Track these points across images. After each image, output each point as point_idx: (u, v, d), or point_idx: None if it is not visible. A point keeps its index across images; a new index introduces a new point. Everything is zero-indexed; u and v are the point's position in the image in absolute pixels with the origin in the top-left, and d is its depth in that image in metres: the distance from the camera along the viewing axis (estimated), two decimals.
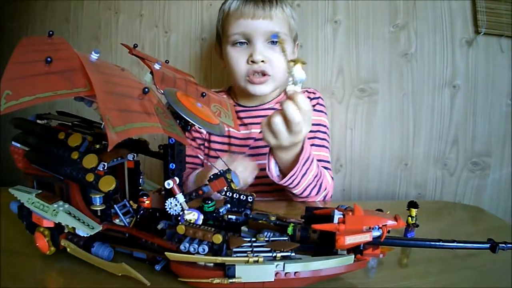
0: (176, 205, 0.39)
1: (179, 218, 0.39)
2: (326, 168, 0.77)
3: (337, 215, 0.38)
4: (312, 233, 0.40)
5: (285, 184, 0.65)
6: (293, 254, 0.37)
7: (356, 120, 1.02)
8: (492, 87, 0.97)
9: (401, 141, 1.01)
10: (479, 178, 1.00)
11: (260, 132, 0.63)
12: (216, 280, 0.35)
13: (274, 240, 0.39)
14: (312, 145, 0.78)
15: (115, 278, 0.39)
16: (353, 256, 0.37)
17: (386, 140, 1.02)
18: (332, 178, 0.77)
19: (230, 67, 0.80)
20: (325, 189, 0.71)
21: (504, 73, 0.96)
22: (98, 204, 0.41)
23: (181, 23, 1.07)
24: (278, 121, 0.56)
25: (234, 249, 0.37)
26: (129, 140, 0.48)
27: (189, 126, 0.41)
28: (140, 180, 0.48)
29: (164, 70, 0.49)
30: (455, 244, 0.37)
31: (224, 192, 0.43)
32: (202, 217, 0.39)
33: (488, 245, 0.37)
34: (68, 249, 0.41)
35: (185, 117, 0.38)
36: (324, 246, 0.38)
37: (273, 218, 0.41)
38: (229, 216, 0.42)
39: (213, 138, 0.85)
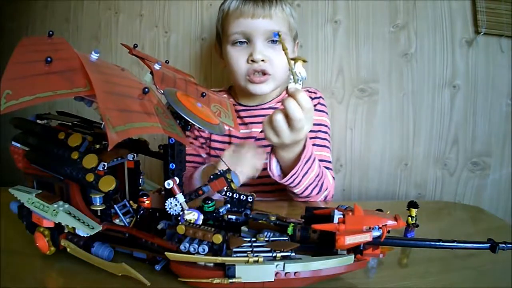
0: (176, 205, 0.39)
1: (179, 218, 0.39)
2: (327, 168, 0.77)
3: (337, 215, 0.38)
4: (312, 233, 0.40)
5: (286, 183, 0.65)
6: (293, 254, 0.37)
7: (356, 120, 1.02)
8: (492, 87, 0.97)
9: (401, 141, 1.01)
10: (479, 178, 1.00)
11: (261, 132, 0.63)
12: (216, 280, 0.35)
13: (274, 240, 0.39)
14: (313, 145, 0.78)
15: (115, 278, 0.39)
16: (353, 256, 0.37)
17: (386, 140, 1.02)
18: (334, 178, 0.77)
19: (230, 67, 0.80)
20: (326, 189, 0.71)
21: (504, 73, 0.96)
22: (98, 204, 0.41)
23: (181, 23, 1.07)
24: (279, 118, 0.56)
25: (234, 249, 0.37)
26: (129, 140, 0.48)
27: (189, 126, 0.41)
28: (140, 180, 0.48)
29: (164, 70, 0.49)
30: (455, 244, 0.37)
31: (224, 192, 0.43)
32: (202, 217, 0.39)
33: (488, 245, 0.37)
34: (68, 249, 0.41)
35: (185, 117, 0.38)
36: (324, 246, 0.38)
37: (273, 218, 0.41)
38: (229, 216, 0.42)
39: (214, 137, 0.85)
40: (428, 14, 0.96)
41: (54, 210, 0.39)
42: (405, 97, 1.00)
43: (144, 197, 0.45)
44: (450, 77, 0.97)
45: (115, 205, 0.43)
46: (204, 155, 0.85)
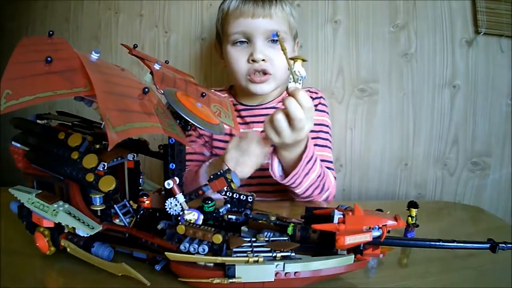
0: (176, 205, 0.39)
1: (179, 218, 0.39)
2: (328, 168, 0.77)
3: (337, 215, 0.38)
4: (312, 233, 0.40)
5: (288, 184, 0.65)
6: (293, 254, 0.37)
7: (356, 120, 1.02)
8: (492, 87, 0.97)
9: (401, 141, 1.01)
10: (479, 178, 1.00)
11: (262, 131, 0.62)
12: (216, 280, 0.35)
13: (274, 240, 0.39)
14: (314, 145, 0.78)
15: (115, 278, 0.39)
16: (353, 256, 0.37)
17: (386, 140, 1.02)
18: (335, 178, 0.77)
19: (231, 67, 0.80)
20: (328, 189, 0.71)
21: (504, 73, 0.96)
22: (98, 204, 0.41)
23: (181, 23, 1.07)
24: (280, 118, 0.56)
25: (234, 249, 0.37)
26: (129, 140, 0.48)
27: (189, 126, 0.41)
28: (140, 180, 0.48)
29: (164, 70, 0.49)
30: (455, 244, 0.37)
31: (224, 192, 0.43)
32: (202, 217, 0.39)
33: (488, 245, 0.37)
34: (68, 249, 0.41)
35: (185, 117, 0.38)
36: (324, 246, 0.38)
37: (273, 218, 0.41)
38: (229, 216, 0.42)
39: (215, 136, 0.85)
40: (428, 14, 0.96)
41: (54, 210, 0.39)
42: (405, 97, 1.00)
43: (144, 197, 0.45)
44: (450, 77, 0.97)
45: (115, 205, 0.43)
46: (208, 153, 0.85)
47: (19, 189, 0.43)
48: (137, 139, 0.49)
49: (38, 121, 0.45)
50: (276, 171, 0.65)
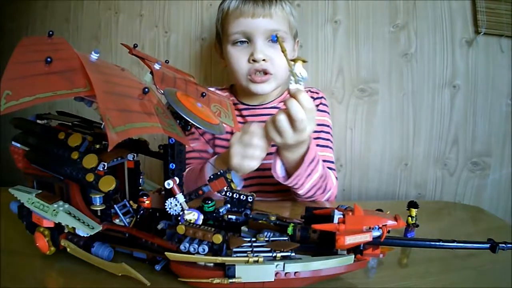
0: (176, 205, 0.39)
1: (179, 218, 0.39)
2: (330, 168, 0.77)
3: (337, 215, 0.38)
4: (312, 233, 0.40)
5: (290, 185, 0.65)
6: (293, 254, 0.37)
7: (356, 120, 1.02)
8: (492, 87, 0.97)
9: (401, 141, 1.02)
10: (479, 178, 1.00)
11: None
12: (216, 280, 0.35)
13: (274, 240, 0.39)
14: (316, 145, 0.78)
15: (115, 278, 0.39)
16: (353, 256, 0.37)
17: (386, 140, 1.02)
18: (337, 178, 0.77)
19: (231, 67, 0.80)
20: (330, 190, 0.71)
21: (504, 73, 0.96)
22: (98, 204, 0.41)
23: (181, 23, 1.07)
24: (282, 118, 0.56)
25: (234, 249, 0.37)
26: (129, 140, 0.48)
27: (189, 126, 0.41)
28: (140, 180, 0.48)
29: (164, 70, 0.49)
30: (455, 244, 0.37)
31: (224, 192, 0.43)
32: (202, 217, 0.39)
33: (488, 245, 0.37)
34: (68, 249, 0.41)
35: (185, 117, 0.38)
36: (324, 246, 0.38)
37: (273, 218, 0.41)
38: (229, 216, 0.42)
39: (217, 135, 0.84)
40: (428, 14, 0.96)
41: (54, 210, 0.39)
42: (405, 97, 1.00)
43: (144, 197, 0.45)
44: (450, 77, 0.97)
45: (115, 205, 0.43)
46: (211, 150, 0.84)
47: (19, 189, 0.43)
48: (137, 139, 0.49)
49: (38, 121, 0.45)
50: (279, 171, 0.65)
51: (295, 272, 0.36)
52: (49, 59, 0.30)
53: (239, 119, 0.84)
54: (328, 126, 0.84)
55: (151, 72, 0.46)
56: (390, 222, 0.37)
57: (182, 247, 0.36)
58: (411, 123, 1.00)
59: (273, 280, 0.35)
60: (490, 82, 0.97)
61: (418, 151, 1.01)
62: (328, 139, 0.82)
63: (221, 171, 0.41)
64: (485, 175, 1.00)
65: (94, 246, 0.41)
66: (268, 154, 0.61)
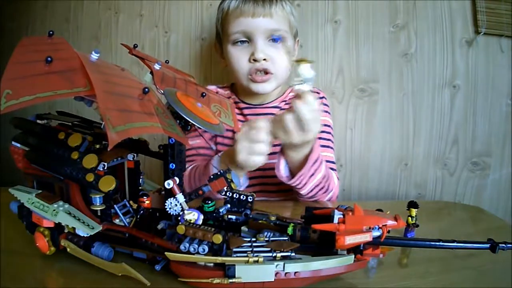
0: (176, 205, 0.39)
1: (179, 218, 0.39)
2: (331, 169, 0.77)
3: (337, 215, 0.38)
4: (312, 233, 0.40)
5: (294, 185, 0.65)
6: (293, 254, 0.37)
7: (356, 120, 1.02)
8: (492, 87, 0.97)
9: (401, 141, 1.02)
10: (479, 178, 1.00)
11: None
12: (216, 280, 0.35)
13: (274, 240, 0.39)
14: None
15: (115, 278, 0.39)
16: (353, 256, 0.37)
17: (386, 140, 1.02)
18: (338, 178, 0.77)
19: (232, 66, 0.80)
20: (332, 190, 0.71)
21: (504, 73, 0.96)
22: (98, 204, 0.41)
23: (181, 23, 1.07)
24: (289, 118, 0.56)
25: (234, 249, 0.37)
26: (129, 140, 0.48)
27: (189, 126, 0.41)
28: (140, 180, 0.48)
29: (164, 70, 0.49)
30: (455, 244, 0.37)
31: (224, 192, 0.43)
32: (202, 217, 0.39)
33: (488, 245, 0.37)
34: (68, 249, 0.41)
35: (185, 117, 0.38)
36: (324, 246, 0.38)
37: (273, 218, 0.41)
38: (229, 216, 0.42)
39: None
40: (428, 14, 0.96)
41: (54, 210, 0.39)
42: (405, 97, 1.00)
43: (144, 197, 0.45)
44: (450, 77, 0.97)
45: (115, 205, 0.43)
46: (214, 147, 0.84)
47: (19, 189, 0.43)
48: (137, 139, 0.49)
49: (38, 121, 0.45)
50: (282, 171, 0.65)
51: (295, 272, 0.36)
52: (49, 59, 0.30)
53: (240, 117, 0.84)
54: (329, 126, 0.84)
55: (151, 72, 0.46)
56: (390, 222, 0.37)
57: (182, 247, 0.36)
58: (411, 123, 1.00)
59: (273, 280, 0.35)
60: (490, 82, 0.97)
61: (418, 151, 1.01)
62: (329, 139, 0.82)
63: (221, 171, 0.41)
64: (485, 175, 1.00)
65: (94, 246, 0.41)
66: (271, 154, 0.61)
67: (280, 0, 0.77)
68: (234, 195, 0.43)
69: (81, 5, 1.13)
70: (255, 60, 0.75)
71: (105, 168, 0.39)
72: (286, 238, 0.40)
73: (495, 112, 0.98)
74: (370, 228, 0.37)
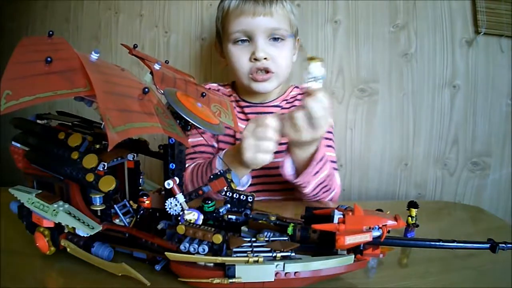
0: (176, 205, 0.39)
1: (179, 218, 0.39)
2: (333, 168, 0.77)
3: (337, 215, 0.38)
4: (312, 233, 0.40)
5: (298, 183, 0.65)
6: (293, 254, 0.37)
7: (356, 120, 1.02)
8: (492, 87, 0.97)
9: (401, 141, 1.02)
10: (479, 178, 1.00)
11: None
12: (216, 280, 0.35)
13: (274, 240, 0.39)
14: None
15: (115, 278, 0.39)
16: (353, 256, 0.37)
17: (386, 140, 1.02)
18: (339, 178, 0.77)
19: (233, 65, 0.80)
20: (334, 190, 0.71)
21: (504, 73, 0.96)
22: (98, 204, 0.41)
23: (181, 23, 1.07)
24: (301, 116, 0.56)
25: (234, 249, 0.37)
26: (129, 140, 0.48)
27: (189, 126, 0.41)
28: (140, 180, 0.48)
29: (164, 70, 0.49)
30: (455, 244, 0.37)
31: (224, 192, 0.43)
32: (202, 217, 0.39)
33: (488, 245, 0.37)
34: (68, 249, 0.41)
35: (185, 117, 0.38)
36: (324, 246, 0.38)
37: (273, 218, 0.41)
38: (229, 216, 0.42)
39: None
40: (428, 14, 0.96)
41: (54, 210, 0.39)
42: (405, 97, 1.00)
43: (144, 197, 0.45)
44: (450, 77, 0.97)
45: (115, 205, 0.43)
46: (216, 145, 0.84)
47: (19, 189, 0.43)
48: (137, 139, 0.49)
49: (38, 121, 0.45)
50: (287, 170, 0.65)
51: (295, 272, 0.36)
52: (49, 59, 0.30)
53: (241, 116, 0.84)
54: (330, 126, 0.84)
55: (151, 72, 0.46)
56: (390, 222, 0.37)
57: (182, 247, 0.36)
58: (411, 123, 1.00)
59: (273, 280, 0.35)
60: (490, 82, 0.97)
61: (418, 151, 1.01)
62: (330, 139, 0.83)
63: (221, 171, 0.41)
64: (485, 175, 1.00)
65: (94, 246, 0.41)
66: (274, 153, 0.61)
67: None
68: (234, 195, 0.43)
69: (81, 5, 1.13)
70: (255, 59, 0.75)
71: (105, 168, 0.39)
72: (286, 238, 0.40)
73: (495, 112, 0.98)
74: (370, 228, 0.37)
